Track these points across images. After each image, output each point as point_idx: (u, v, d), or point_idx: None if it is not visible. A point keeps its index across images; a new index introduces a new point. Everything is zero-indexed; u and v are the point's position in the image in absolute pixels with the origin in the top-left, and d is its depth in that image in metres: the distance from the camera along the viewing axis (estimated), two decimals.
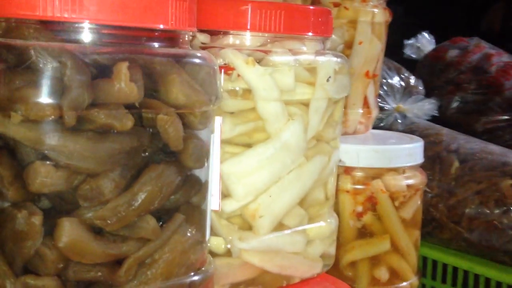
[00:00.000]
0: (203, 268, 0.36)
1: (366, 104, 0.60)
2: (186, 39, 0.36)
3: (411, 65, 0.96)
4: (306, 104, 0.44)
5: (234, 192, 0.41)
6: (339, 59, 0.45)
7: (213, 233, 0.42)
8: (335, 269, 0.53)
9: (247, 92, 0.40)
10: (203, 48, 0.40)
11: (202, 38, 0.43)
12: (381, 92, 0.85)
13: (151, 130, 0.32)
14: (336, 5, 0.56)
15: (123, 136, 0.31)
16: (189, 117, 0.35)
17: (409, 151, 0.53)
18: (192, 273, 0.35)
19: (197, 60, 0.35)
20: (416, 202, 0.55)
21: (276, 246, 0.43)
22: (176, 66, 0.33)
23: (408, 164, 0.53)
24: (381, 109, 0.86)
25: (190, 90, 0.33)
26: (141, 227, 0.32)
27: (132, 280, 0.32)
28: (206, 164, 0.35)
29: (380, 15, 0.57)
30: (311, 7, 0.45)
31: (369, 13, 0.57)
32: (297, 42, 0.44)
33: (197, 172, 0.36)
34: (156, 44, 0.33)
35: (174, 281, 0.34)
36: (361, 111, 0.59)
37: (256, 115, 0.41)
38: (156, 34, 0.33)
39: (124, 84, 0.29)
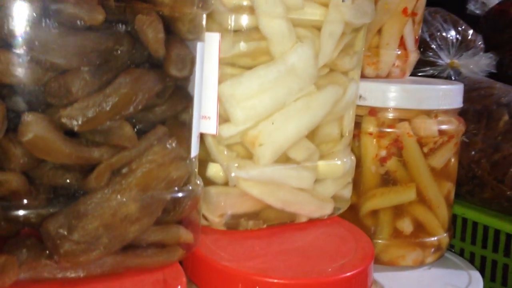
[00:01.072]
0: (189, 187, 0.34)
1: (402, 45, 0.55)
2: None
3: (474, 23, 0.88)
4: (318, 28, 0.40)
5: (232, 116, 0.38)
6: None
7: (212, 159, 0.40)
8: (354, 219, 0.50)
9: (252, 8, 0.37)
10: None
11: None
12: (434, 46, 0.79)
13: (132, 32, 0.31)
14: None
15: (97, 34, 0.29)
16: (177, 24, 0.32)
17: (444, 93, 0.48)
18: (176, 190, 0.33)
19: None
20: (449, 151, 0.49)
21: (278, 179, 0.40)
22: None
23: (442, 108, 0.48)
24: (434, 64, 0.79)
25: None
26: (115, 134, 0.31)
27: (105, 188, 0.31)
28: (191, 76, 0.33)
29: None
30: None
31: None
32: None
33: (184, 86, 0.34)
34: None
35: (152, 194, 0.32)
36: (396, 52, 0.54)
37: (261, 34, 0.38)
38: None
39: None
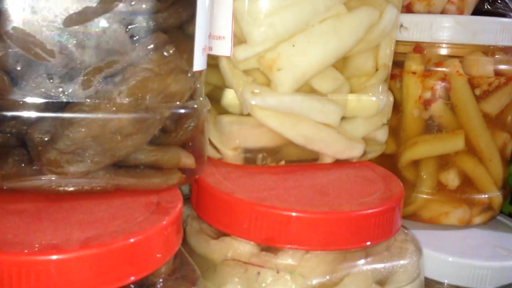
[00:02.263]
0: (194, 106, 0.31)
1: None
2: None
3: None
4: None
5: (248, 35, 0.35)
6: None
7: (226, 85, 0.37)
8: (393, 170, 0.45)
9: None
10: None
11: None
12: None
13: None
14: None
15: None
16: None
17: (503, 26, 0.41)
18: (177, 105, 0.30)
19: None
20: (507, 96, 0.43)
21: (300, 110, 0.36)
22: None
23: (500, 44, 0.42)
24: (504, 16, 0.71)
25: None
26: (107, 36, 0.28)
27: (94, 96, 0.28)
28: None
29: None
30: None
31: None
32: None
33: None
34: None
35: (147, 107, 0.29)
36: None
37: None
38: None
39: None
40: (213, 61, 0.37)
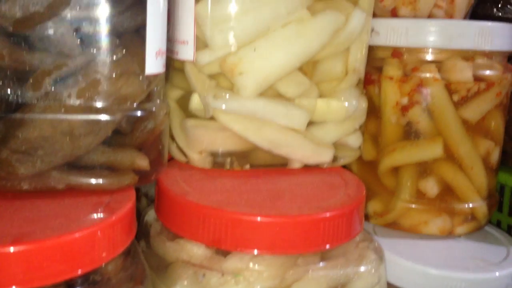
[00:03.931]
0: (152, 109, 0.32)
1: None
2: None
3: None
4: None
5: (210, 40, 0.35)
6: None
7: (191, 89, 0.37)
8: (374, 177, 0.44)
9: None
10: None
11: None
12: None
13: None
14: None
15: None
16: None
17: (482, 30, 0.40)
18: (130, 108, 0.31)
19: None
20: (488, 102, 0.41)
21: (263, 114, 0.36)
22: None
23: (480, 48, 0.40)
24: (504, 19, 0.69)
25: None
26: (57, 40, 0.29)
27: (45, 98, 0.29)
28: None
29: None
30: None
31: None
32: None
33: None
34: None
35: (97, 109, 0.30)
36: None
37: None
38: None
39: None
40: (181, 66, 0.37)
